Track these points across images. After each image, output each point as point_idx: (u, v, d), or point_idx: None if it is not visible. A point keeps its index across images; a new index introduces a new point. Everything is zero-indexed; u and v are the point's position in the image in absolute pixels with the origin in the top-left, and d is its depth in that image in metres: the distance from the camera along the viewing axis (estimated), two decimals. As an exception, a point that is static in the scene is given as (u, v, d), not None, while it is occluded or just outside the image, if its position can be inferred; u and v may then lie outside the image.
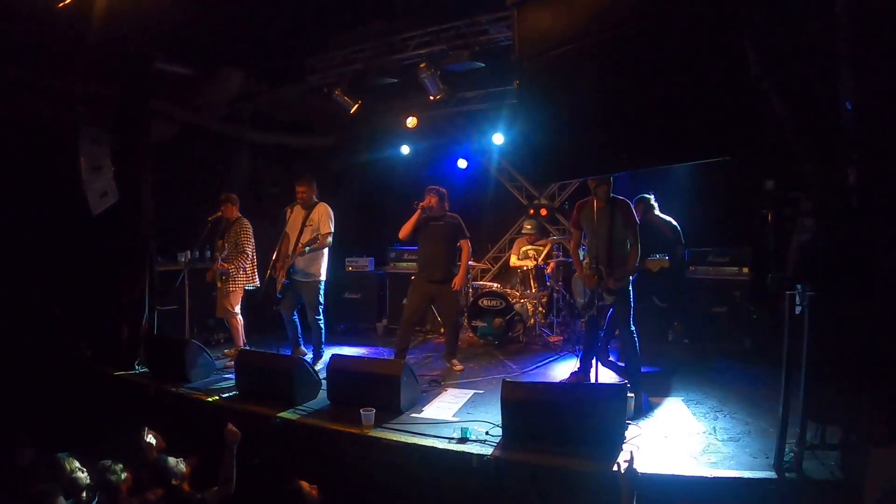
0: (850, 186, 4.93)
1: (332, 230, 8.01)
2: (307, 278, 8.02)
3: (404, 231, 7.83)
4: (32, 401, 7.02)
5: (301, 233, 7.93)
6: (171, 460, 5.03)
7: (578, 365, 7.31)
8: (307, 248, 7.77)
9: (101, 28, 7.09)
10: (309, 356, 8.22)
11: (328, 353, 7.96)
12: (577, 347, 8.28)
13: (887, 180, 4.70)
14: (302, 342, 8.41)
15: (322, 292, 8.15)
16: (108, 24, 7.03)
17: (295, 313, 8.28)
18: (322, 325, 8.17)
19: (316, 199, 8.17)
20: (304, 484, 4.88)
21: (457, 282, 7.76)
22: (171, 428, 5.85)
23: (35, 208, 8.13)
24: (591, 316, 6.66)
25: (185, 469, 5.06)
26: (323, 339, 8.26)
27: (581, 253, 6.98)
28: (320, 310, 8.14)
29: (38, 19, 6.94)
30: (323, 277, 8.12)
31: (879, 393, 4.45)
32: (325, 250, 8.08)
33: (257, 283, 8.48)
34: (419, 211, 7.73)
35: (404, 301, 8.68)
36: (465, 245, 7.93)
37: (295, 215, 8.14)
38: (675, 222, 8.19)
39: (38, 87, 7.97)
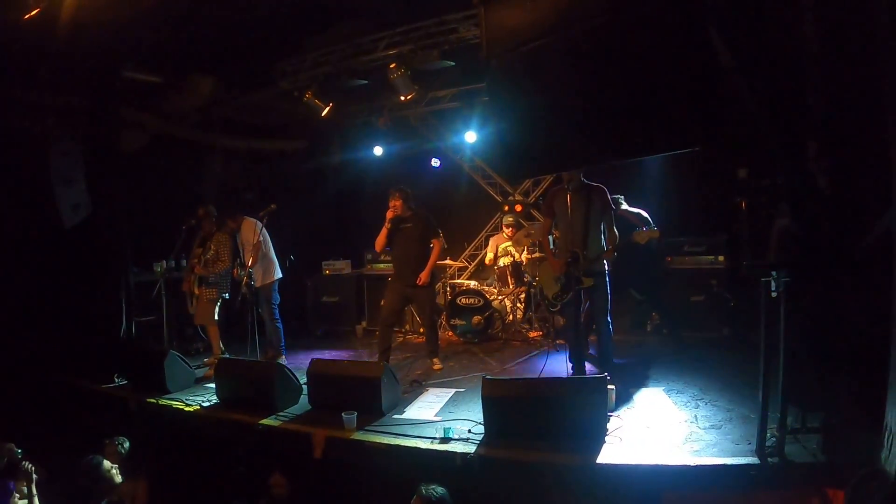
0: (822, 173, 4.99)
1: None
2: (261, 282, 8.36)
3: (379, 244, 7.90)
4: (9, 416, 6.92)
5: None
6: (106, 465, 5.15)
7: (571, 368, 7.10)
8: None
9: (66, 39, 7.00)
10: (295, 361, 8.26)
11: (308, 357, 7.91)
12: (557, 343, 8.30)
13: (858, 166, 4.76)
14: (283, 349, 8.46)
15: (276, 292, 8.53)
16: (73, 34, 6.95)
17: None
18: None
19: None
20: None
21: (422, 276, 7.74)
22: (149, 439, 5.80)
23: (7, 222, 8.03)
24: (572, 311, 6.64)
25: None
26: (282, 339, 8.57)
27: (550, 239, 6.99)
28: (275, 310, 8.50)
29: (4, 32, 6.86)
30: (277, 277, 8.55)
31: (857, 376, 4.50)
32: (272, 254, 8.44)
33: (228, 290, 8.46)
34: (388, 221, 7.73)
35: (382, 302, 8.68)
36: (437, 244, 7.92)
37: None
38: (644, 213, 8.24)
39: (6, 99, 7.88)
